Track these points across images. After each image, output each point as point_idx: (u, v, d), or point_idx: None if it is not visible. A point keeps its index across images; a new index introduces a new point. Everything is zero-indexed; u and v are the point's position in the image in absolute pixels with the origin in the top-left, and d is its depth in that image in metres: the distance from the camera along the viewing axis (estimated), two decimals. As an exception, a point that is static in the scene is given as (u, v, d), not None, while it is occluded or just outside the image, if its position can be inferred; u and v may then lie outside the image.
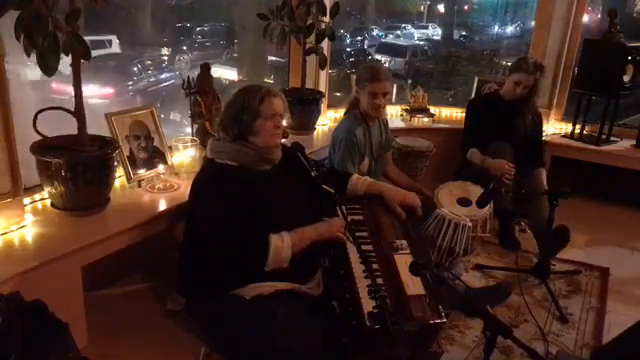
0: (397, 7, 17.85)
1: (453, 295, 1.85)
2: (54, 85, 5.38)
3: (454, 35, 15.25)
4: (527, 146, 3.39)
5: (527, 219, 3.40)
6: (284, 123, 2.01)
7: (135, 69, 8.12)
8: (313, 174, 1.95)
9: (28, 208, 2.20)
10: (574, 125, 4.00)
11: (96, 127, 2.28)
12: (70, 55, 1.95)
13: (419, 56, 13.45)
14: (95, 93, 6.10)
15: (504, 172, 3.00)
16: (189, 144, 2.66)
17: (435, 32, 16.60)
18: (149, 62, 8.55)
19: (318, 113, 3.59)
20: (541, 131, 3.52)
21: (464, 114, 4.20)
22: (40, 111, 2.06)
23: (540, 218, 2.99)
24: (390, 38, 15.64)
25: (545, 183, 3.32)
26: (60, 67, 1.87)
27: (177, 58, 9.95)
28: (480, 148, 3.28)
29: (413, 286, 1.77)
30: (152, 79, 8.23)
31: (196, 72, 2.90)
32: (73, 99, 2.08)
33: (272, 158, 1.93)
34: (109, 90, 6.59)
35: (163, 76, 8.45)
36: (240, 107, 1.86)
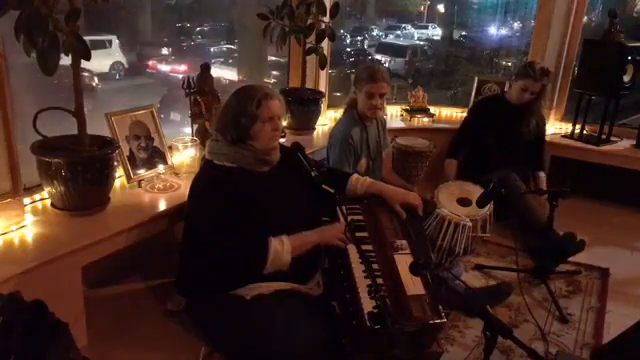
0: (397, 7, 17.84)
1: (453, 295, 1.86)
2: (150, 62, 9.39)
3: (454, 35, 15.24)
4: (529, 149, 3.39)
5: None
6: (283, 123, 2.01)
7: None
8: (313, 174, 1.95)
9: (28, 208, 2.19)
10: (574, 125, 4.00)
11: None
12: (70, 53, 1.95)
13: (419, 56, 13.44)
14: (174, 69, 9.22)
15: None
16: (189, 144, 2.66)
17: (435, 32, 16.60)
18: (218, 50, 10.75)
19: (318, 113, 3.59)
20: (544, 135, 3.53)
21: (464, 114, 4.21)
22: (40, 111, 2.06)
23: (533, 218, 2.99)
24: (390, 38, 15.63)
25: (543, 181, 3.34)
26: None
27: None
28: (464, 152, 3.33)
29: (413, 286, 1.77)
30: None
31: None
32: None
33: (270, 160, 1.93)
34: (184, 67, 9.03)
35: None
36: (237, 111, 1.85)
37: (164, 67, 9.46)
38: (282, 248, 1.76)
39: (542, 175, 3.38)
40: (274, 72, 6.29)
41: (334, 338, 1.70)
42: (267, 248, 1.75)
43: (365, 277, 1.73)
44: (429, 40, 15.67)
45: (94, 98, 7.47)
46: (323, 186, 1.91)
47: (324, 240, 1.88)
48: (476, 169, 3.26)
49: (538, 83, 3.17)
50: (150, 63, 9.36)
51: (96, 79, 7.85)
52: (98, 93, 7.90)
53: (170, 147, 2.66)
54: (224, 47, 10.30)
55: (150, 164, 2.56)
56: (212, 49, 10.35)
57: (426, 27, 17.12)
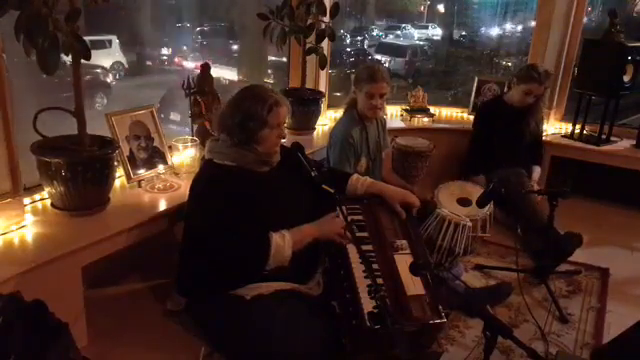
0: (397, 7, 17.82)
1: (453, 295, 1.85)
2: (176, 59, 10.19)
3: (454, 35, 15.23)
4: (529, 148, 3.40)
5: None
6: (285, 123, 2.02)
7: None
8: (313, 174, 1.95)
9: (28, 208, 2.20)
10: (574, 125, 4.00)
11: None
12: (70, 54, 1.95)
13: (419, 56, 13.43)
14: (198, 66, 8.90)
15: None
16: (189, 144, 2.66)
17: (435, 32, 16.58)
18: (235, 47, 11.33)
19: (318, 113, 3.59)
20: (542, 132, 3.54)
21: (464, 114, 4.23)
22: (40, 111, 2.06)
23: (532, 216, 2.99)
24: (390, 38, 15.61)
25: (536, 179, 3.34)
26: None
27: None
28: (484, 162, 3.30)
29: (413, 286, 1.77)
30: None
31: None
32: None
33: (271, 161, 1.94)
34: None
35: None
36: (247, 114, 1.84)
37: (189, 63, 9.99)
38: (283, 242, 1.77)
39: (537, 169, 3.41)
40: (274, 72, 6.29)
41: (334, 338, 1.70)
42: (269, 243, 1.75)
43: (365, 277, 1.73)
44: (429, 40, 15.64)
45: (108, 94, 7.52)
46: (323, 186, 1.91)
47: (323, 234, 1.88)
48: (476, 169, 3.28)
49: (542, 86, 3.17)
50: (176, 59, 10.22)
51: (110, 76, 7.85)
52: (113, 89, 7.95)
53: (170, 147, 2.66)
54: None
55: (150, 164, 2.56)
56: (234, 47, 10.70)
57: (426, 27, 17.08)
